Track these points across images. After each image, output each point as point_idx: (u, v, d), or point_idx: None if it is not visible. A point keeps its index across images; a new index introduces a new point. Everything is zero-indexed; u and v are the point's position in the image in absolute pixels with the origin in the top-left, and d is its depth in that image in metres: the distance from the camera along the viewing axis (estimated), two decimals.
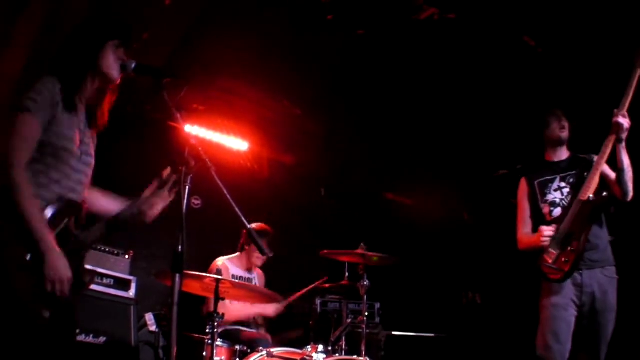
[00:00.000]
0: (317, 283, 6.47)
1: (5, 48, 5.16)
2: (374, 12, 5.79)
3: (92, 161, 3.36)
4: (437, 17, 5.75)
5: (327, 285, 6.33)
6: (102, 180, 3.75)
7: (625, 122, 4.40)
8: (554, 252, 4.53)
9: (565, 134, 4.88)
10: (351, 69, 6.65)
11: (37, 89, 3.09)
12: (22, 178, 2.96)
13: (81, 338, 5.15)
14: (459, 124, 7.33)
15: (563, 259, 4.48)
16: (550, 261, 4.54)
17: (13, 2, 5.08)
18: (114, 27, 3.36)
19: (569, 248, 4.46)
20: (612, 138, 4.45)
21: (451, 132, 7.52)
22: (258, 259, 6.33)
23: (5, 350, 2.83)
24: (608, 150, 4.47)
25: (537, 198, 4.87)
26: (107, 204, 3.53)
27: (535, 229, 4.79)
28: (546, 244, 4.55)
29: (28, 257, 2.89)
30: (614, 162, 4.50)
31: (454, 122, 7.30)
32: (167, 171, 3.48)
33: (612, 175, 4.59)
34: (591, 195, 4.47)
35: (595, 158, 4.71)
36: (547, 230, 4.57)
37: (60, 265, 2.95)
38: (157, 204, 3.38)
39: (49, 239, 2.96)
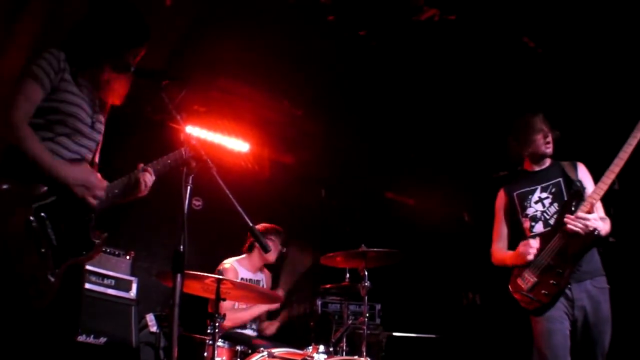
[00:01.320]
0: None
1: (5, 48, 5.16)
2: (375, 13, 5.79)
3: (100, 137, 3.40)
4: (438, 18, 5.75)
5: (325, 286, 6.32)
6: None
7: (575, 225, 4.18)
8: (531, 278, 4.33)
9: (550, 150, 4.61)
10: (352, 70, 6.66)
11: (43, 56, 3.16)
12: (26, 129, 3.03)
13: (82, 338, 5.15)
14: (460, 125, 7.33)
15: (543, 291, 4.26)
16: (524, 288, 4.35)
17: (13, 2, 5.08)
18: (142, 33, 3.42)
19: (552, 281, 4.24)
20: (612, 176, 4.14)
21: (451, 133, 7.52)
22: (270, 255, 6.32)
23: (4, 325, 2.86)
24: (606, 187, 4.17)
25: (516, 211, 4.65)
26: None
27: (513, 244, 4.62)
28: (531, 258, 4.35)
29: (32, 219, 2.91)
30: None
31: (455, 122, 7.31)
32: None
33: (601, 211, 4.38)
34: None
35: (580, 166, 4.58)
36: (534, 243, 4.36)
37: (85, 176, 3.12)
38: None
39: (62, 164, 3.07)
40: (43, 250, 2.91)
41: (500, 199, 4.81)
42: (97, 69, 3.31)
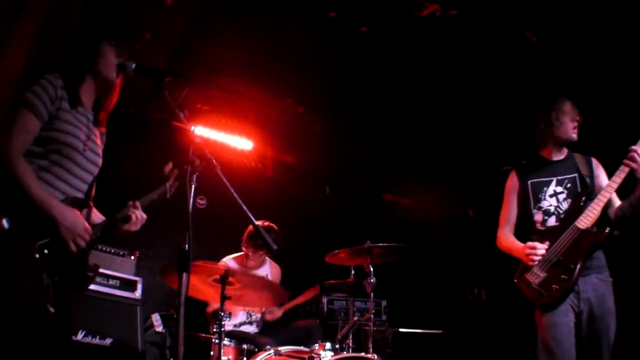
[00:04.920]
0: (310, 295, 6.48)
1: (5, 47, 5.16)
2: (376, 9, 5.78)
3: (99, 160, 3.39)
4: (439, 13, 5.74)
5: (330, 282, 6.29)
6: (106, 182, 3.76)
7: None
8: (540, 273, 4.27)
9: (576, 136, 4.54)
10: (354, 66, 6.65)
11: (41, 84, 3.13)
12: (21, 162, 3.02)
13: (87, 339, 5.15)
14: (462, 121, 7.32)
15: (554, 287, 4.21)
16: (534, 282, 4.29)
17: (13, 2, 5.08)
18: (111, 27, 3.38)
19: (563, 276, 4.20)
20: (626, 169, 4.18)
21: (454, 129, 7.51)
22: (260, 259, 6.28)
23: (7, 349, 2.88)
24: (619, 181, 4.21)
25: (529, 201, 4.56)
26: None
27: (522, 233, 4.57)
28: (534, 263, 4.31)
29: (37, 256, 2.93)
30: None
31: (457, 119, 7.30)
32: (169, 166, 3.54)
33: (617, 203, 4.38)
34: (590, 226, 4.24)
35: (594, 162, 4.56)
36: (540, 249, 4.29)
37: (75, 222, 3.09)
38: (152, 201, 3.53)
39: (58, 206, 3.05)
40: (45, 283, 2.95)
41: (512, 182, 4.71)
42: (84, 79, 3.30)
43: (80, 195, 3.26)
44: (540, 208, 4.52)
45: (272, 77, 6.82)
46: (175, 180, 3.56)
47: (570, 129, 4.51)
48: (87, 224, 3.17)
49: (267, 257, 6.42)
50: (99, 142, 3.39)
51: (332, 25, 5.97)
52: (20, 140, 3.05)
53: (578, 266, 4.20)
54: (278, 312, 6.39)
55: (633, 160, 4.18)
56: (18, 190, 2.96)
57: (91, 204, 3.36)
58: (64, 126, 3.16)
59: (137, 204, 3.45)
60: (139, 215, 3.44)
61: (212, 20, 5.89)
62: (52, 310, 2.96)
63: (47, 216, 3.00)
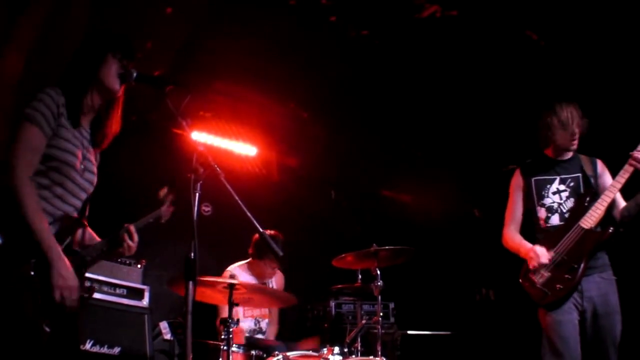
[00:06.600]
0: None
1: (5, 48, 5.15)
2: (376, 12, 5.78)
3: (95, 179, 3.35)
4: (439, 14, 5.74)
5: (338, 286, 6.27)
6: (111, 191, 3.76)
7: None
8: (545, 273, 4.32)
9: (575, 145, 4.56)
10: (356, 69, 6.65)
11: (42, 99, 3.08)
12: (28, 189, 2.96)
13: (95, 349, 5.15)
14: (465, 121, 7.31)
15: (558, 286, 4.26)
16: (538, 282, 4.33)
17: (13, 3, 5.07)
18: (117, 41, 3.35)
19: (566, 276, 4.24)
20: (630, 169, 4.23)
21: (458, 130, 7.50)
22: (271, 271, 6.27)
23: None
24: (623, 181, 4.25)
25: (532, 198, 4.59)
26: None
27: (527, 231, 4.60)
28: (536, 267, 4.35)
29: (32, 273, 2.90)
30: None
31: (460, 119, 7.29)
32: (164, 190, 3.51)
33: (622, 203, 4.40)
34: (594, 226, 4.28)
35: (599, 163, 4.57)
36: (544, 257, 4.33)
37: (68, 274, 2.97)
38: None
39: (57, 249, 2.97)
40: (40, 301, 2.91)
41: (517, 180, 4.74)
42: (87, 94, 3.26)
43: (75, 213, 3.22)
44: (543, 205, 4.55)
45: (274, 81, 6.81)
46: (170, 205, 3.51)
47: (568, 142, 4.53)
48: (78, 283, 3.04)
49: None
50: (94, 160, 3.35)
51: (333, 29, 5.97)
52: (29, 160, 3.01)
53: (582, 266, 4.24)
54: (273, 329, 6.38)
55: (638, 160, 4.20)
56: (15, 207, 2.91)
57: (85, 222, 3.33)
58: (63, 144, 3.12)
59: (132, 229, 3.36)
60: (130, 244, 3.34)
61: (213, 26, 5.89)
62: (47, 329, 2.91)
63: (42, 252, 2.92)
